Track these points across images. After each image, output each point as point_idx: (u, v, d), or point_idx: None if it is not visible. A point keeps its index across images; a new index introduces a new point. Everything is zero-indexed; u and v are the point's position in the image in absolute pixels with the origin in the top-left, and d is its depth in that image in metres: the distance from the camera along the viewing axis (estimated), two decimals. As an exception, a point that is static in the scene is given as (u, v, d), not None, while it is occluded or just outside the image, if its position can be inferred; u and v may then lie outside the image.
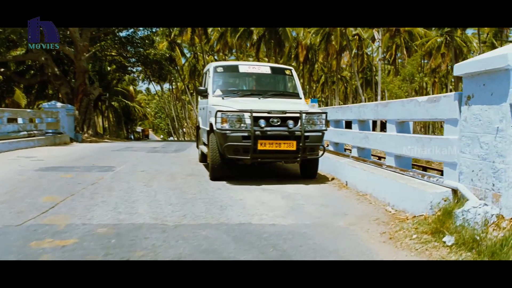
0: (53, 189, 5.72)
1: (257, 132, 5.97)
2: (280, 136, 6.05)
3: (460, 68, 3.69)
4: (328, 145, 8.18)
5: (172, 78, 48.61)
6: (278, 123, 6.09)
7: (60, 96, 26.59)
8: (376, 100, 28.44)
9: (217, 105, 6.63)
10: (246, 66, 7.57)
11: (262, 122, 5.98)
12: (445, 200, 3.73)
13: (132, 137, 47.45)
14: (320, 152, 6.45)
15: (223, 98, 6.99)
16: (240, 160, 6.21)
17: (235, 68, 7.58)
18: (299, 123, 6.09)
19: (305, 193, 5.56)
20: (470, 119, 3.62)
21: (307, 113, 6.21)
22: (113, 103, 47.56)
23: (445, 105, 4.03)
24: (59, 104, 17.22)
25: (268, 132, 6.02)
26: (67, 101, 25.31)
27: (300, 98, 7.39)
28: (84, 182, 6.27)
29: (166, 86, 65.09)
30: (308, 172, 6.81)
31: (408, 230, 3.55)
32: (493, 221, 3.12)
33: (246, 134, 5.96)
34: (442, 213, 3.42)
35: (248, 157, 6.02)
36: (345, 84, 71.71)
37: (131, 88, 53.52)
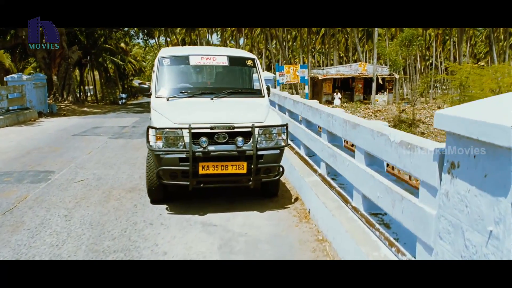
0: None
1: (198, 153, 4.82)
2: (226, 157, 4.89)
3: (442, 121, 2.48)
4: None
5: (161, 35, 46.36)
6: (225, 140, 4.91)
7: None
8: (372, 59, 26.72)
9: (156, 112, 5.46)
10: (199, 57, 6.23)
11: (203, 141, 4.80)
12: (412, 307, 2.65)
13: (122, 96, 45.64)
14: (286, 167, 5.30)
15: (167, 100, 5.76)
16: (179, 185, 5.09)
17: (185, 59, 6.24)
18: (251, 139, 4.92)
19: (253, 233, 4.49)
20: (453, 198, 2.46)
21: (261, 126, 5.01)
22: (105, 59, 45.63)
23: (420, 160, 2.85)
24: (24, 77, 15.87)
25: (212, 153, 4.86)
26: (44, 66, 23.88)
27: (263, 96, 6.14)
28: (-2, 208, 5.23)
29: (163, 39, 62.20)
30: (267, 192, 5.71)
31: None
32: None
33: (184, 155, 4.81)
34: None
35: (188, 183, 4.90)
36: (346, 36, 69.11)
37: (122, 44, 51.25)
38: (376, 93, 32.45)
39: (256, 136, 4.94)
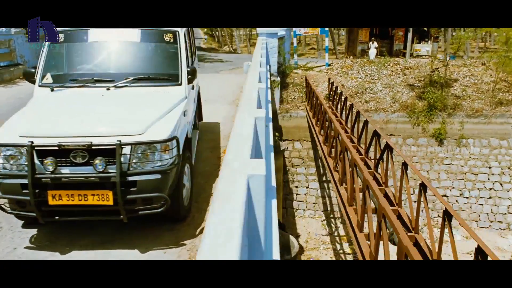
0: None
1: (46, 179, 3.55)
2: (84, 184, 3.59)
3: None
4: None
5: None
6: (85, 160, 3.59)
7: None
8: None
9: (23, 110, 4.22)
10: (100, 32, 4.74)
11: (49, 163, 3.51)
12: None
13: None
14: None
15: (52, 90, 4.49)
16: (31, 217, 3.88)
17: (83, 34, 4.81)
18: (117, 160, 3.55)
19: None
20: None
21: (134, 143, 3.60)
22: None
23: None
24: (13, 30, 14.82)
25: (63, 178, 3.57)
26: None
27: (180, 84, 4.67)
28: None
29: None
30: (169, 218, 4.38)
31: None
32: None
33: (26, 180, 3.55)
34: None
35: (35, 215, 3.68)
36: None
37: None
38: (420, 42, 29.14)
39: (128, 155, 3.57)
